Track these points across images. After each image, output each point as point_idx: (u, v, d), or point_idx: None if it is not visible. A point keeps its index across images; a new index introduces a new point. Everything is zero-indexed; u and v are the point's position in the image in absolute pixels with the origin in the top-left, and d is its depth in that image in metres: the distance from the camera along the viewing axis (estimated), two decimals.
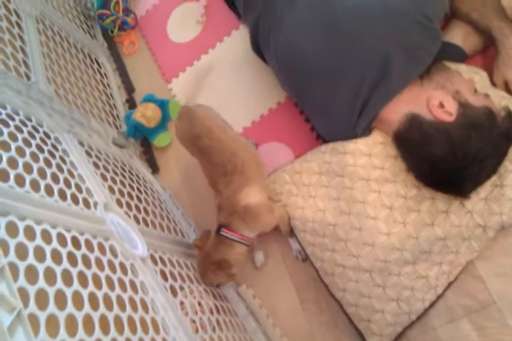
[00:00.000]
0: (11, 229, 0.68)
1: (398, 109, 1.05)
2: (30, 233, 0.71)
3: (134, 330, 0.75)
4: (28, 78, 1.22)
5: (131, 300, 0.81)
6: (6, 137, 0.87)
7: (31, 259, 0.66)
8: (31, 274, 0.65)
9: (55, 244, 0.73)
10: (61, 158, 1.00)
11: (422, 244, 1.06)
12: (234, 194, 1.09)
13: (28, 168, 0.85)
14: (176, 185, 1.52)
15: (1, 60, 1.15)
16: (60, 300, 0.65)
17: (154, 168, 1.57)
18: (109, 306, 0.74)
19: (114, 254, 0.87)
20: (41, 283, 0.64)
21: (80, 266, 0.75)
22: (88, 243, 0.82)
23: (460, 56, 1.17)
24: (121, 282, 0.82)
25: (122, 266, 0.86)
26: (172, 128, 1.58)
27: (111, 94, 1.69)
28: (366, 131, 1.13)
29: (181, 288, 1.02)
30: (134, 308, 0.80)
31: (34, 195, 0.80)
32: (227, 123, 1.28)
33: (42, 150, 0.96)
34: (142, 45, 1.87)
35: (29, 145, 0.93)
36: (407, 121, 1.03)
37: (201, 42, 1.72)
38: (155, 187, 1.40)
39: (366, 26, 1.03)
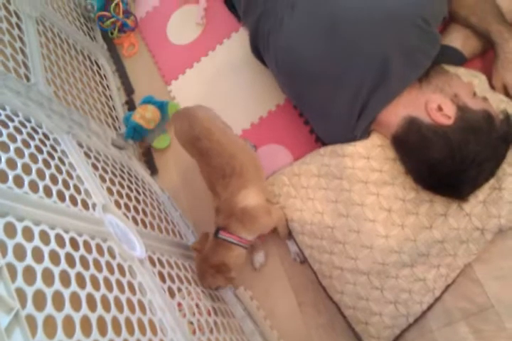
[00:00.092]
0: (10, 230, 0.68)
1: (397, 112, 1.05)
2: (28, 234, 0.71)
3: (131, 332, 0.75)
4: (28, 79, 1.22)
5: (129, 302, 0.81)
6: (5, 138, 0.88)
7: (29, 260, 0.66)
8: (29, 275, 0.65)
9: (53, 245, 0.73)
10: (60, 159, 1.00)
11: (420, 247, 1.06)
12: (232, 196, 1.09)
13: (26, 169, 0.85)
14: (174, 186, 1.52)
15: (1, 61, 1.15)
16: (58, 301, 0.65)
17: (153, 170, 1.57)
18: (106, 307, 0.74)
19: (113, 255, 0.87)
20: (39, 283, 0.64)
21: (78, 267, 0.75)
22: (86, 244, 0.82)
23: (459, 59, 1.18)
24: (119, 283, 0.82)
25: (120, 267, 0.86)
26: (171, 130, 1.59)
27: (110, 96, 1.69)
28: (365, 134, 1.14)
29: (179, 290, 1.02)
30: (132, 310, 0.80)
31: (33, 196, 0.80)
32: (227, 125, 1.28)
33: (41, 152, 0.96)
34: (142, 47, 1.88)
35: (28, 146, 0.93)
36: (406, 124, 1.03)
37: (201, 44, 1.72)
38: (153, 189, 1.40)
39: (366, 30, 1.04)
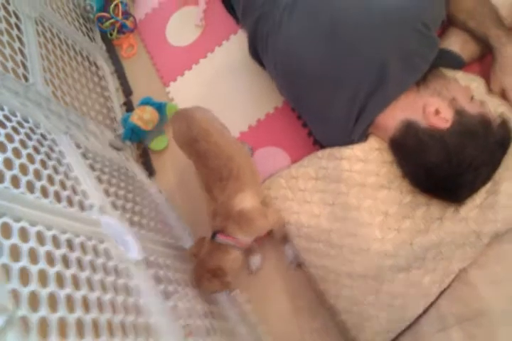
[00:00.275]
0: (6, 231, 0.68)
1: (394, 116, 1.05)
2: (24, 234, 0.71)
3: (126, 334, 0.75)
4: (26, 79, 1.22)
5: (125, 304, 0.80)
6: (2, 138, 0.87)
7: (25, 261, 0.66)
8: (24, 276, 0.65)
9: (49, 245, 0.73)
10: (57, 160, 1.00)
11: (416, 251, 1.06)
12: (229, 199, 1.09)
13: (24, 170, 0.85)
14: (171, 188, 1.52)
15: (0, 62, 1.15)
16: (53, 302, 0.65)
17: (150, 171, 1.56)
18: (102, 309, 0.74)
19: (109, 257, 0.86)
20: (34, 285, 0.64)
21: (74, 269, 0.74)
22: (83, 245, 0.81)
23: (457, 63, 1.18)
24: (115, 285, 0.82)
25: (116, 269, 0.86)
26: (169, 132, 1.59)
27: (108, 97, 1.69)
28: (362, 137, 1.14)
29: (175, 292, 1.01)
30: (127, 312, 0.79)
31: (29, 197, 0.80)
32: (225, 127, 1.28)
33: (38, 152, 0.95)
34: (141, 48, 1.88)
35: (26, 146, 0.92)
36: (403, 128, 1.04)
37: (200, 46, 1.72)
38: (151, 190, 1.40)
39: (365, 34, 1.04)
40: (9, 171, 0.81)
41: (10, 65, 1.18)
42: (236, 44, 1.63)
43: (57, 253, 0.73)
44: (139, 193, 1.28)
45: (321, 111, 1.16)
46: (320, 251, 1.14)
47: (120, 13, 1.87)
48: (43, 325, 0.61)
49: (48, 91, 1.28)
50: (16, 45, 1.26)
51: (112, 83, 1.76)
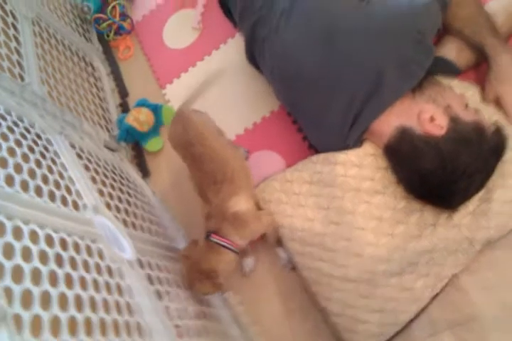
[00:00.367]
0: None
1: (389, 122, 1.06)
2: (18, 233, 0.70)
3: (118, 334, 0.75)
4: (22, 79, 1.22)
5: (117, 304, 0.80)
6: None
7: (18, 259, 0.66)
8: (17, 274, 0.64)
9: (42, 244, 0.73)
10: (52, 160, 1.00)
11: (409, 256, 1.07)
12: (223, 202, 1.09)
13: (18, 169, 0.85)
14: (166, 189, 1.52)
15: None
16: (45, 301, 0.65)
17: (145, 172, 1.56)
18: (94, 308, 0.74)
19: (102, 257, 0.86)
20: (27, 283, 0.64)
21: (67, 268, 0.74)
22: (76, 245, 0.81)
23: (453, 71, 1.19)
24: (107, 285, 0.81)
25: (109, 269, 0.86)
26: (164, 133, 1.59)
27: (104, 98, 1.69)
28: (358, 143, 1.14)
29: (167, 293, 1.01)
30: (120, 312, 0.79)
31: (24, 195, 0.80)
32: (220, 130, 1.28)
33: (33, 151, 0.95)
34: (138, 50, 1.88)
35: (20, 145, 0.93)
36: (398, 134, 1.04)
37: (197, 49, 1.72)
38: (145, 192, 1.40)
39: (362, 42, 1.05)
40: (3, 170, 0.81)
41: (6, 64, 1.18)
42: (233, 48, 1.63)
43: (51, 252, 0.73)
44: (133, 194, 1.27)
45: (316, 116, 1.17)
46: (313, 255, 1.14)
47: (117, 15, 1.88)
48: (36, 323, 0.61)
49: (44, 91, 1.28)
50: (13, 44, 1.26)
51: (108, 84, 1.76)
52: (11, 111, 1.01)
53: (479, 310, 1.03)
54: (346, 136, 1.13)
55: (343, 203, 1.13)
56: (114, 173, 1.27)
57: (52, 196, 0.88)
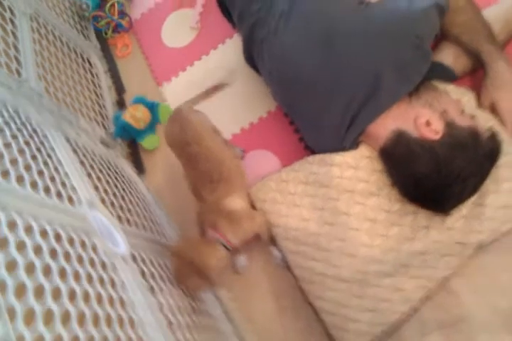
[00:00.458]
0: None
1: (386, 125, 1.07)
2: (12, 225, 0.71)
3: (111, 328, 0.75)
4: (19, 75, 1.22)
5: (111, 298, 0.80)
6: None
7: (13, 251, 0.66)
8: (11, 266, 0.65)
9: (37, 237, 0.73)
10: (48, 155, 1.00)
11: (402, 258, 1.08)
12: (218, 200, 1.10)
13: (14, 163, 0.85)
14: (161, 186, 1.52)
15: None
16: (39, 293, 0.65)
17: (140, 169, 1.56)
18: (87, 302, 0.74)
19: (96, 252, 0.86)
20: (21, 274, 0.64)
21: (61, 261, 0.74)
22: (70, 239, 0.81)
23: (449, 76, 1.20)
24: (101, 279, 0.82)
25: (103, 263, 0.86)
26: (160, 131, 1.59)
27: (101, 95, 1.69)
28: (354, 145, 1.15)
29: (160, 289, 1.01)
30: (113, 305, 0.80)
31: (19, 189, 0.80)
32: (217, 129, 1.29)
33: (29, 146, 0.96)
34: (136, 48, 1.88)
35: (16, 140, 0.93)
36: (394, 137, 1.05)
37: (195, 48, 1.73)
38: (140, 188, 1.40)
39: (361, 45, 1.06)
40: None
41: (3, 59, 1.18)
42: (231, 48, 1.64)
43: (45, 245, 0.73)
44: (128, 190, 1.28)
45: (314, 117, 1.17)
46: (307, 254, 1.15)
47: (116, 13, 1.88)
48: (29, 315, 0.61)
49: (41, 86, 1.28)
50: (10, 40, 1.26)
51: (105, 81, 1.76)
52: (7, 106, 1.01)
53: (468, 312, 1.04)
54: (343, 137, 1.13)
55: (338, 204, 1.14)
56: (110, 169, 1.27)
57: (47, 190, 0.88)
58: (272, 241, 1.23)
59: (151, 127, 1.59)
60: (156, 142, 1.59)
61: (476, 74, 1.20)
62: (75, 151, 1.14)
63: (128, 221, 1.13)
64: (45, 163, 0.96)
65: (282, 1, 1.18)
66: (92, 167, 1.15)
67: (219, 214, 1.09)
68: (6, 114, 0.97)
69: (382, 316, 1.07)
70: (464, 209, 1.06)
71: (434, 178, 1.00)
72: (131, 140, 1.63)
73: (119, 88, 1.78)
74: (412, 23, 1.05)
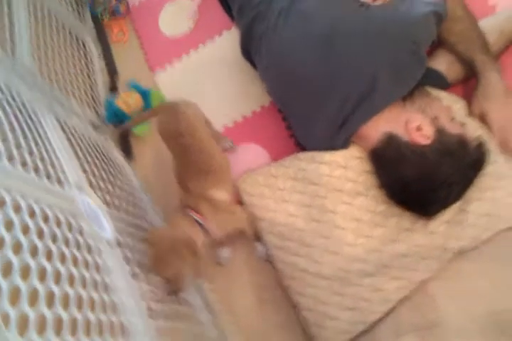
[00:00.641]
0: None
1: (378, 127, 1.08)
2: (1, 203, 0.70)
3: (93, 310, 0.75)
4: (13, 53, 1.20)
5: (94, 281, 0.80)
6: None
7: (1, 228, 0.65)
8: None
9: (25, 216, 0.72)
10: (39, 134, 0.98)
11: (385, 258, 1.09)
12: (203, 190, 1.10)
13: (4, 140, 0.84)
14: (148, 173, 1.51)
15: None
16: (26, 272, 0.64)
17: (129, 155, 1.55)
18: (72, 284, 0.73)
19: (82, 234, 0.86)
20: (8, 252, 0.63)
21: (47, 241, 0.73)
22: (57, 219, 0.80)
23: (442, 83, 1.21)
24: (86, 262, 0.81)
25: (89, 246, 0.85)
26: (152, 119, 1.57)
27: (94, 78, 1.66)
28: (345, 145, 1.16)
29: (142, 275, 1.01)
30: (96, 289, 0.79)
31: (8, 165, 0.78)
32: (208, 120, 1.28)
33: (19, 122, 0.94)
34: (132, 34, 1.85)
35: (7, 115, 0.91)
36: (385, 140, 1.06)
37: (192, 38, 1.72)
38: (127, 174, 1.39)
39: (360, 46, 1.07)
40: None
41: None
42: (228, 40, 1.63)
43: (32, 224, 0.72)
44: (116, 175, 1.27)
45: (307, 114, 1.18)
46: (291, 249, 1.16)
47: None
48: (14, 293, 0.60)
49: (34, 66, 1.26)
50: (6, 17, 1.23)
51: (99, 64, 1.74)
52: (0, 84, 0.99)
53: (443, 316, 1.04)
54: (334, 136, 1.14)
55: (326, 202, 1.15)
56: (98, 153, 1.26)
57: (36, 169, 0.86)
58: (256, 235, 1.23)
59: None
60: (146, 129, 1.57)
61: (469, 83, 1.22)
62: (65, 133, 1.12)
63: (114, 205, 1.12)
64: (36, 143, 0.94)
65: None
66: (81, 149, 1.14)
67: (202, 200, 1.09)
68: None
69: (361, 315, 1.08)
70: (448, 214, 1.08)
71: (420, 182, 1.02)
72: (121, 125, 1.60)
73: (112, 73, 1.75)
74: (410, 28, 1.07)
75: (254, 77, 1.48)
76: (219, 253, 1.29)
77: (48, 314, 0.63)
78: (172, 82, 1.66)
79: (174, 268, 0.96)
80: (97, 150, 1.26)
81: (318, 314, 1.10)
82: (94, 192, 1.02)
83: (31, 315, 0.60)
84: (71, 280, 0.74)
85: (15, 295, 0.60)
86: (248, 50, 1.36)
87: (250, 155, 1.42)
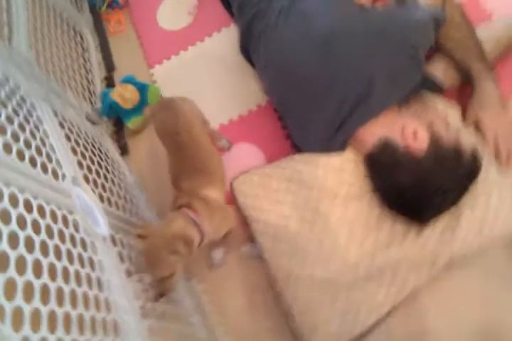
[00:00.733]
0: None
1: (374, 132, 1.08)
2: None
3: (87, 307, 0.75)
4: (10, 42, 1.18)
5: (89, 277, 0.79)
6: None
7: None
8: None
9: (21, 208, 0.71)
10: (35, 125, 0.97)
11: (377, 264, 1.09)
12: (197, 189, 1.09)
13: (1, 131, 0.83)
14: (142, 169, 1.50)
15: None
16: (21, 265, 0.64)
17: (124, 150, 1.53)
18: (66, 279, 0.73)
19: (77, 229, 0.85)
20: (4, 245, 0.63)
21: (43, 235, 0.73)
22: (53, 213, 0.79)
23: (438, 89, 1.22)
24: (80, 257, 0.80)
25: (83, 242, 0.84)
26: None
27: (90, 70, 1.65)
28: (341, 148, 1.16)
29: (136, 273, 1.00)
30: (90, 285, 0.79)
31: (6, 158, 0.78)
32: (205, 119, 1.28)
33: (17, 115, 0.93)
34: (129, 26, 1.84)
35: (5, 107, 0.90)
36: (381, 145, 1.06)
37: (190, 33, 1.71)
38: (122, 169, 1.38)
39: (359, 48, 1.07)
40: None
41: None
42: (227, 37, 1.63)
43: (29, 217, 0.72)
44: (111, 170, 1.26)
45: (305, 115, 1.18)
46: (284, 252, 1.15)
47: None
48: (10, 286, 0.60)
49: (31, 55, 1.24)
50: (3, 5, 1.21)
51: (95, 56, 1.72)
52: None
53: (433, 324, 1.06)
54: (331, 139, 1.14)
55: (320, 205, 1.14)
56: (94, 147, 1.25)
57: (33, 162, 0.85)
58: (250, 237, 1.23)
59: (139, 108, 1.54)
60: (142, 123, 1.56)
61: (464, 90, 1.22)
62: (61, 125, 1.11)
63: (109, 201, 1.11)
64: (32, 134, 0.93)
65: None
66: (77, 143, 1.13)
67: (196, 198, 1.07)
68: None
69: (353, 320, 1.07)
70: (440, 221, 1.08)
71: (415, 189, 1.02)
72: (116, 119, 1.60)
73: (109, 65, 1.74)
74: (409, 32, 1.08)
75: (252, 76, 1.48)
76: (213, 255, 1.28)
77: (42, 308, 0.63)
78: (168, 77, 1.65)
79: (168, 265, 0.93)
80: (92, 145, 1.25)
81: (310, 318, 1.09)
82: (90, 188, 1.02)
83: (26, 309, 0.59)
84: (65, 275, 0.73)
85: (10, 288, 0.60)
86: (247, 48, 1.36)
87: (245, 155, 1.41)
